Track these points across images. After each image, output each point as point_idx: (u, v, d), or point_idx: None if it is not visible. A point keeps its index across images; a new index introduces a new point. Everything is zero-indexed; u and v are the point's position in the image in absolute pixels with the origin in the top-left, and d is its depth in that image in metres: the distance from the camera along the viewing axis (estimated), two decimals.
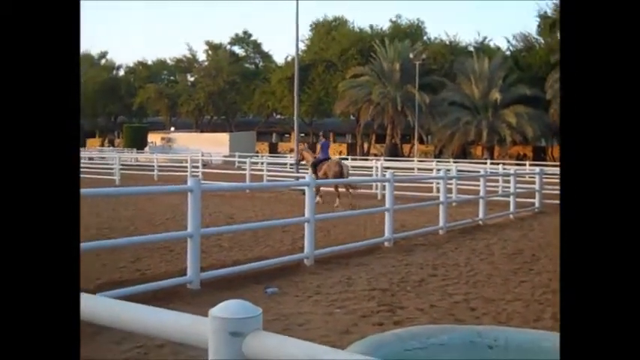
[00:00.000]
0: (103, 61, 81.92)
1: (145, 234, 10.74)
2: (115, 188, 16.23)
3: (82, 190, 8.03)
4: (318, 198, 18.94)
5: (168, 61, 78.86)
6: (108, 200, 17.23)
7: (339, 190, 18.67)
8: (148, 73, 76.63)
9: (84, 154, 40.74)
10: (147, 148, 58.10)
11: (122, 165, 30.25)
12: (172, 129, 66.52)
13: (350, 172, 20.26)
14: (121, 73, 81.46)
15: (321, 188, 19.13)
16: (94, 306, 2.33)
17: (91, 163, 35.84)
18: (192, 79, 75.90)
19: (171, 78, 78.62)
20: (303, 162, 21.01)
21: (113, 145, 71.22)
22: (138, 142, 58.75)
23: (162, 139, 61.37)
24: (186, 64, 75.86)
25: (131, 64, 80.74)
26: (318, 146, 20.52)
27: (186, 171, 26.56)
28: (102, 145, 74.97)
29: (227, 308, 1.98)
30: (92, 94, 75.11)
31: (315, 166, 19.51)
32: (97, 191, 8.96)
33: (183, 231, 8.48)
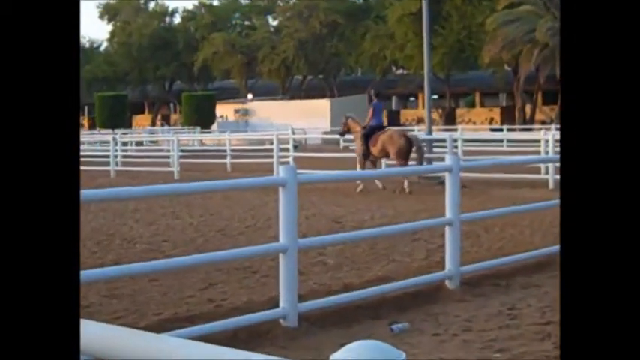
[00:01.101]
0: (151, 5, 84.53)
1: (219, 249, 11.04)
2: (172, 185, 16.73)
3: (126, 190, 8.39)
4: (360, 187, 20.01)
5: None
6: (164, 202, 17.83)
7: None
8: (213, 18, 78.44)
9: (129, 138, 42.28)
10: (215, 126, 59.59)
11: (182, 151, 31.14)
12: (250, 96, 67.79)
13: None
14: (177, 20, 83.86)
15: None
16: (153, 348, 2.37)
17: (140, 151, 37.14)
18: (275, 22, 77.09)
19: (246, 23, 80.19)
20: (350, 135, 21.93)
21: (168, 123, 73.50)
22: (202, 116, 60.24)
23: (237, 111, 62.79)
24: (267, 3, 77.09)
25: (190, 7, 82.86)
26: (370, 109, 21.07)
27: (272, 156, 27.02)
28: (153, 123, 77.52)
29: (355, 352, 1.91)
30: (137, 52, 77.84)
31: (368, 138, 20.10)
32: (147, 190, 9.30)
33: (272, 243, 8.65)
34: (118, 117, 59.41)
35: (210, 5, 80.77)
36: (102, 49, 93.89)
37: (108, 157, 29.59)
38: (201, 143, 44.06)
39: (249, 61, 73.29)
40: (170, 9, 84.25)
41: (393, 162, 20.30)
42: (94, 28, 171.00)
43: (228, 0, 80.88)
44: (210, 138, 45.88)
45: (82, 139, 40.91)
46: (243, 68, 74.12)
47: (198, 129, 53.46)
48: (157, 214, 16.59)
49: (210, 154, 34.18)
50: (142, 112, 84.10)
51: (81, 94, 73.04)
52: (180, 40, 78.41)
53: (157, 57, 78.82)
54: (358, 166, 21.01)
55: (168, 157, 31.02)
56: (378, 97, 21.59)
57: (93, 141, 41.28)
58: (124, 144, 37.06)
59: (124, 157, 32.73)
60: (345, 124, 21.69)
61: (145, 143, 43.28)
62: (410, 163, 20.05)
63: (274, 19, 77.96)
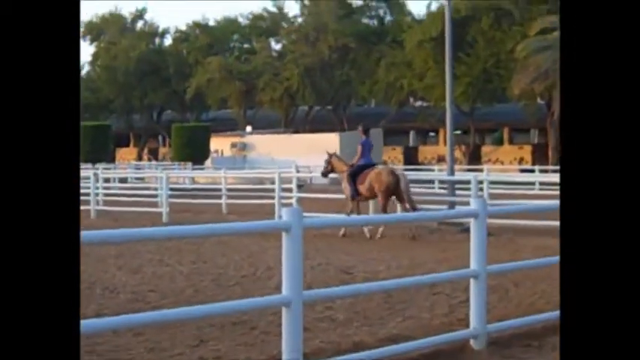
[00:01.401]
0: (139, 25, 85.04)
1: (213, 301, 11.01)
2: (160, 228, 16.76)
3: (108, 233, 8.40)
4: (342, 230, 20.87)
5: (240, 19, 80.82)
6: (151, 247, 17.85)
7: (385, 210, 20.36)
8: (208, 39, 78.89)
9: (112, 174, 42.39)
10: (209, 161, 59.70)
11: (172, 190, 31.22)
12: (249, 129, 68.03)
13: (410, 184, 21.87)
14: (168, 41, 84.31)
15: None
16: None
17: (124, 188, 37.22)
18: (278, 46, 77.53)
19: (246, 46, 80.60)
20: (334, 174, 23.04)
21: (156, 158, 73.71)
22: (195, 151, 60.43)
23: (234, 145, 62.94)
24: (270, 24, 77.58)
25: (183, 28, 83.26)
26: (358, 147, 22.05)
27: (273, 197, 27.08)
28: (139, 157, 77.77)
29: None
30: (123, 77, 78.21)
31: (355, 177, 21.21)
32: (132, 233, 9.30)
33: (273, 295, 8.64)
34: (100, 150, 59.53)
35: (206, 25, 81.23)
36: (83, 73, 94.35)
37: (88, 194, 29.57)
38: (194, 181, 44.13)
39: (248, 88, 73.61)
40: (160, 29, 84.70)
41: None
42: None
43: (225, 20, 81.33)
44: (204, 175, 45.94)
45: None
46: (241, 97, 74.47)
47: (190, 165, 53.58)
48: (142, 260, 16.58)
49: (203, 193, 34.22)
50: (127, 145, 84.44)
51: None
52: (172, 64, 78.85)
53: (144, 83, 79.31)
54: (348, 208, 21.81)
55: (156, 196, 31.09)
56: (366, 133, 22.45)
57: None
58: (106, 180, 37.13)
59: (106, 195, 32.76)
60: (328, 162, 22.68)
61: (129, 180, 43.39)
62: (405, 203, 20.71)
63: (277, 42, 78.50)
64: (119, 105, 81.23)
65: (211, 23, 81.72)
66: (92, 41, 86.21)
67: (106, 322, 8.17)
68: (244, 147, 62.61)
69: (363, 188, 20.97)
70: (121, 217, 26.86)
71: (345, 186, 21.77)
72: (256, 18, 78.66)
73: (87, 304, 11.85)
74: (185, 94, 74.93)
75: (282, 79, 71.14)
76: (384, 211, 20.43)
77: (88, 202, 28.91)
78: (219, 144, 63.35)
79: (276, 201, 26.30)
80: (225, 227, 12.21)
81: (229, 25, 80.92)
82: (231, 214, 28.31)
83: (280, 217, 8.14)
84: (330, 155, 22.77)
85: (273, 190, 27.49)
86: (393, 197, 21.04)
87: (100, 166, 48.36)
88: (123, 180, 42.25)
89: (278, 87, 71.31)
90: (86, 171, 40.27)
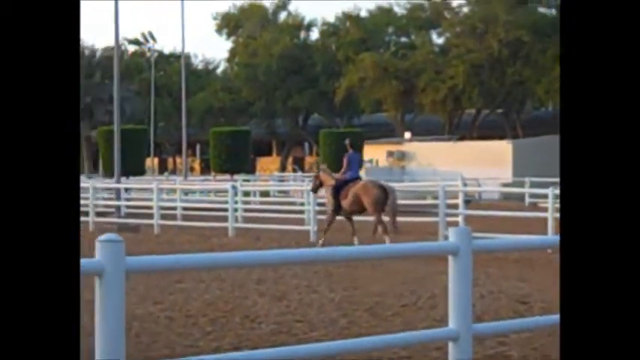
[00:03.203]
0: (282, 17, 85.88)
1: (368, 333, 11.01)
2: (308, 250, 16.90)
3: (248, 254, 8.50)
4: (320, 242, 23.67)
5: (397, 9, 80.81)
6: (297, 270, 18.01)
7: (383, 223, 22.77)
8: (361, 33, 79.09)
9: (252, 186, 42.91)
10: (363, 172, 59.90)
11: (320, 205, 31.35)
12: (407, 135, 68.03)
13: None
14: (315, 35, 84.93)
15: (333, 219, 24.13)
16: None
17: (266, 203, 37.61)
18: (441, 40, 77.27)
19: (403, 40, 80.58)
20: (321, 189, 25.21)
21: (302, 169, 74.27)
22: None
23: (390, 154, 63.05)
24: (430, 14, 77.35)
25: (331, 20, 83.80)
26: (345, 162, 24.33)
27: (436, 214, 26.98)
28: (283, 167, 78.54)
29: None
30: (264, 76, 79.07)
31: (339, 191, 23.53)
32: (274, 255, 9.36)
33: (438, 328, 8.60)
34: (238, 159, 60.26)
35: (357, 17, 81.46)
36: (219, 71, 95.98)
37: (225, 210, 30.02)
38: None
39: (406, 89, 73.56)
40: (306, 21, 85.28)
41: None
42: (209, 45, 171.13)
43: (379, 10, 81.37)
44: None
45: (191, 186, 41.91)
46: (398, 99, 74.44)
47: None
48: (288, 286, 16.74)
49: None
50: (269, 154, 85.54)
51: (192, 129, 74.95)
52: (319, 61, 79.44)
53: (288, 83, 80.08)
54: (326, 223, 24.47)
55: (302, 212, 31.29)
56: (353, 147, 24.94)
57: (206, 189, 42.15)
58: (246, 194, 37.66)
59: (246, 210, 33.19)
60: (316, 176, 25.42)
61: (272, 193, 43.88)
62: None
63: (439, 35, 78.24)
64: (259, 108, 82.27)
65: (363, 14, 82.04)
66: (229, 36, 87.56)
67: (245, 356, 8.27)
68: (402, 156, 62.68)
69: (346, 203, 23.40)
70: (263, 236, 27.20)
71: (328, 200, 24.38)
72: (415, 8, 78.49)
73: (223, 334, 12.05)
74: (334, 96, 75.30)
75: (445, 78, 70.82)
76: (381, 223, 22.95)
77: (225, 219, 29.35)
78: (374, 153, 63.51)
79: (439, 219, 26.17)
80: (382, 249, 12.24)
81: (384, 16, 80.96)
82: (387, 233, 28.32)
83: (446, 237, 8.11)
84: (319, 169, 25.50)
85: (436, 206, 27.37)
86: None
87: (239, 177, 49.13)
88: (264, 193, 42.77)
89: (441, 87, 71.00)
90: (222, 183, 41.06)
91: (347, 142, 25.35)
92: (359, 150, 58.26)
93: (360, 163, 25.07)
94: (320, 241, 23.83)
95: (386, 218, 23.35)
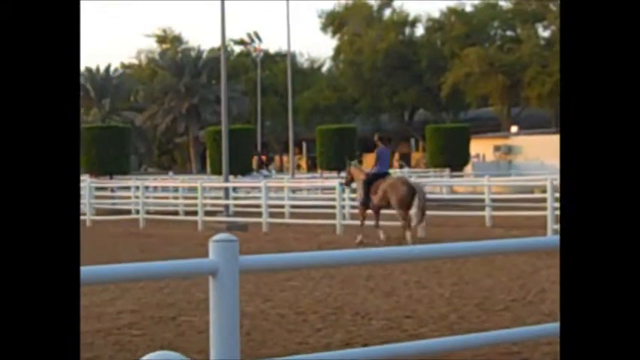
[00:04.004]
0: (386, 13, 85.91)
1: (479, 329, 10.98)
2: (415, 247, 16.95)
3: (356, 252, 8.55)
4: (359, 237, 24.39)
5: (502, 3, 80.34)
6: (405, 267, 18.00)
7: (410, 217, 23.64)
8: (466, 28, 78.71)
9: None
10: (469, 167, 59.57)
11: (428, 200, 31.23)
12: (514, 129, 67.52)
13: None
14: (420, 31, 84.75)
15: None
16: None
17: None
18: (547, 33, 76.53)
19: (509, 34, 80.00)
20: (354, 184, 26.30)
21: (409, 164, 74.28)
22: (452, 155, 60.28)
23: (497, 148, 62.57)
24: (536, 7, 76.70)
25: (436, 15, 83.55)
26: (374, 157, 25.24)
27: (545, 208, 26.73)
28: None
29: None
30: (369, 73, 79.17)
31: (369, 186, 24.34)
32: (382, 253, 9.42)
33: (548, 323, 8.55)
34: (344, 156, 60.26)
35: (462, 12, 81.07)
36: (324, 69, 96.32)
37: (333, 207, 30.08)
38: (452, 190, 44.17)
39: (512, 83, 73.09)
40: (411, 17, 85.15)
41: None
42: (314, 43, 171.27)
43: (484, 5, 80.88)
44: (464, 183, 45.88)
45: (298, 184, 42.10)
46: (504, 93, 73.97)
47: (447, 172, 53.64)
48: (397, 281, 16.78)
49: (463, 204, 34.23)
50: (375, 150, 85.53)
51: (298, 127, 75.29)
52: (424, 57, 79.26)
53: (393, 79, 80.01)
54: (360, 216, 25.28)
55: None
56: (382, 141, 25.47)
57: (312, 187, 42.31)
58: (353, 190, 37.68)
59: (353, 207, 33.23)
60: (348, 172, 26.52)
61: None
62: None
63: (545, 28, 77.41)
64: (365, 105, 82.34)
65: (468, 9, 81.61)
66: (334, 33, 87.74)
67: (356, 353, 8.30)
68: (509, 150, 62.14)
69: (375, 198, 24.08)
70: (371, 233, 27.24)
71: (359, 193, 25.26)
72: (520, 1, 77.87)
73: (334, 331, 12.12)
74: (440, 91, 75.07)
75: (551, 71, 70.04)
76: (406, 220, 23.58)
77: (333, 216, 29.44)
78: (481, 147, 63.09)
79: (548, 213, 25.90)
80: (491, 245, 12.13)
81: (489, 10, 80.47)
82: (496, 227, 28.16)
83: (555, 231, 8.07)
84: (350, 165, 26.38)
85: (544, 200, 27.11)
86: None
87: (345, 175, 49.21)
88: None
89: (547, 81, 70.29)
90: (329, 181, 41.20)
91: (376, 137, 26.04)
92: (457, 140, 58.13)
93: (389, 158, 25.87)
94: (358, 237, 24.53)
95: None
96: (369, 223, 24.98)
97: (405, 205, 23.67)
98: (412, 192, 23.60)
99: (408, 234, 23.39)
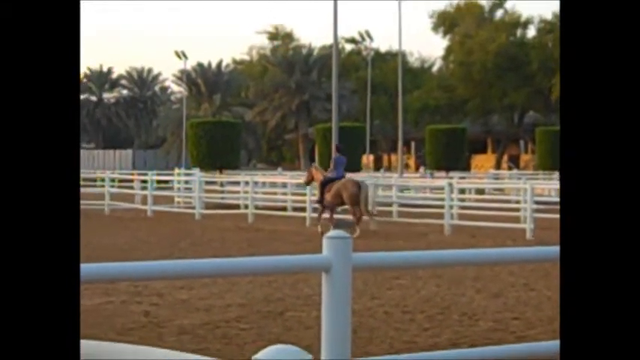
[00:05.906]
0: (498, 14, 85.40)
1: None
2: (524, 249, 16.81)
3: (464, 253, 8.53)
4: (319, 228, 27.26)
5: None
6: (513, 269, 17.90)
7: (359, 215, 27.02)
8: None
9: (468, 183, 42.79)
10: None
11: (537, 203, 30.91)
12: None
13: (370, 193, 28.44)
14: (531, 32, 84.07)
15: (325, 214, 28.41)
16: None
17: (481, 201, 37.43)
18: None
19: None
20: (313, 183, 29.68)
21: (518, 166, 73.76)
22: None
23: None
24: None
25: (548, 17, 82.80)
26: (332, 163, 29.36)
27: None
28: (498, 165, 78.09)
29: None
30: (479, 74, 78.88)
31: (324, 186, 28.03)
32: (490, 254, 9.36)
33: None
34: (453, 156, 59.92)
35: None
36: (434, 69, 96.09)
37: (442, 207, 29.97)
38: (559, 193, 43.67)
39: None
40: (523, 19, 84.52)
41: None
42: (425, 43, 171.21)
43: None
44: None
45: (407, 182, 42.08)
46: None
47: (556, 174, 53.12)
48: (504, 283, 16.68)
49: None
50: (484, 151, 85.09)
51: (407, 126, 75.25)
52: (535, 58, 78.61)
53: (504, 80, 79.54)
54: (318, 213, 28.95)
55: (518, 210, 31.03)
56: (339, 151, 30.06)
57: (422, 186, 42.22)
58: (461, 191, 37.54)
59: (462, 207, 33.10)
60: (309, 172, 30.22)
61: (487, 191, 43.66)
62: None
63: None
64: (475, 106, 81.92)
65: None
66: (445, 34, 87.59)
67: (463, 353, 8.28)
68: None
69: (329, 195, 27.66)
70: (479, 234, 27.10)
71: (318, 193, 28.83)
72: None
73: (441, 331, 12.11)
74: (551, 93, 74.38)
75: None
76: (355, 215, 27.27)
77: (441, 216, 29.36)
78: None
79: None
80: None
81: None
82: None
83: None
84: (312, 165, 30.98)
85: None
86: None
87: (455, 174, 49.04)
88: (480, 191, 42.58)
89: None
90: (438, 180, 41.11)
91: (335, 146, 31.22)
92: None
93: (344, 164, 29.16)
94: (318, 228, 27.23)
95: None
96: (326, 216, 28.46)
97: (354, 201, 26.99)
98: (359, 189, 27.06)
99: (358, 228, 26.48)
